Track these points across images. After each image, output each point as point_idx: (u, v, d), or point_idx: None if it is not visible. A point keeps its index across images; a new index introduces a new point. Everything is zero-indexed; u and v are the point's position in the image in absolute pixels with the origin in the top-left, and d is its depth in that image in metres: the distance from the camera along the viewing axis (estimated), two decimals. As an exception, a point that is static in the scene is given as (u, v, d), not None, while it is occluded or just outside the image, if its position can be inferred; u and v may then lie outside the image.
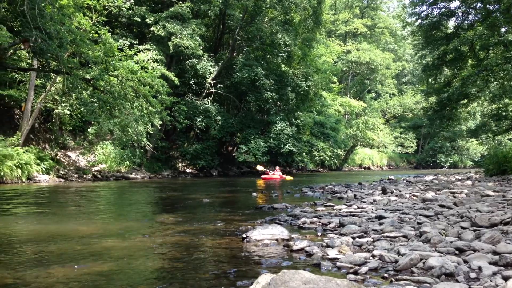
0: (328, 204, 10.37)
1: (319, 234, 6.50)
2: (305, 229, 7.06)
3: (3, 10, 12.57)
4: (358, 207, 9.34)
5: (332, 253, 5.12)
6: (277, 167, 26.73)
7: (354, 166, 52.58)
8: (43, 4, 11.88)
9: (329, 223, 7.25)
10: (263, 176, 25.14)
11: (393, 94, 70.96)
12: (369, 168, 54.95)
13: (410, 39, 41.52)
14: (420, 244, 5.23)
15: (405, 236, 5.82)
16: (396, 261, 4.65)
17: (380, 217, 7.35)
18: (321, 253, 5.17)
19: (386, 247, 5.28)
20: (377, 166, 57.33)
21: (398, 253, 4.93)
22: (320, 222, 7.41)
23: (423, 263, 4.51)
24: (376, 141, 52.13)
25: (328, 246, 5.51)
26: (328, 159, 41.44)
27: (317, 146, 39.99)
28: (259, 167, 28.07)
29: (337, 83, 56.32)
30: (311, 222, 7.48)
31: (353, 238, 5.88)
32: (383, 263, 4.69)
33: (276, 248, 5.65)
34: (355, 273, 4.36)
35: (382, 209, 8.75)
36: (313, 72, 35.50)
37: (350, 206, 9.66)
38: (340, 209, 9.17)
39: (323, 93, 45.18)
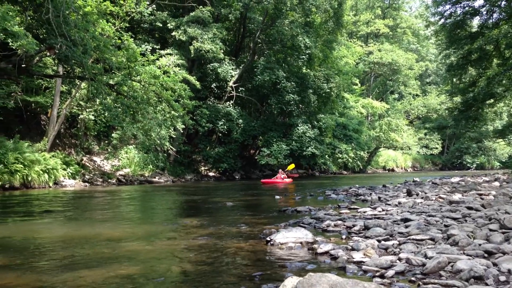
0: (352, 206, 10.27)
1: (343, 237, 6.44)
2: (329, 232, 7.01)
3: (29, 18, 12.84)
4: (383, 210, 9.22)
5: (357, 256, 5.06)
6: (281, 170, 25.53)
7: (377, 168, 52.01)
8: (67, 12, 12.10)
9: (354, 226, 7.17)
10: (263, 180, 24.20)
11: (417, 95, 69.94)
12: (393, 170, 54.28)
13: (433, 38, 40.87)
14: (448, 247, 5.13)
15: (432, 239, 5.72)
16: (424, 265, 4.57)
17: (406, 220, 7.24)
18: (346, 256, 5.12)
19: (412, 250, 5.20)
20: (401, 168, 56.59)
21: (425, 256, 4.84)
22: (344, 225, 7.34)
23: (451, 266, 4.43)
24: (400, 143, 51.44)
25: (353, 249, 5.45)
26: (351, 161, 41.10)
27: (340, 148, 39.70)
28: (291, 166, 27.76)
29: (359, 84, 55.85)
30: (335, 225, 7.41)
31: (379, 241, 5.80)
32: (410, 266, 4.61)
33: (301, 251, 5.62)
34: (382, 276, 4.30)
35: (408, 211, 8.62)
36: (335, 74, 35.26)
37: (374, 208, 9.54)
38: (364, 212, 9.06)
39: (345, 95, 44.84)
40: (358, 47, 56.08)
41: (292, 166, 27.47)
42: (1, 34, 10.37)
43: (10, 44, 11.41)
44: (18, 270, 4.80)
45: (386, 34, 63.52)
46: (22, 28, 10.64)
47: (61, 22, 11.47)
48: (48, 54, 12.82)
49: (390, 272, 4.35)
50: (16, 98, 18.88)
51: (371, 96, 59.87)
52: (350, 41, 57.45)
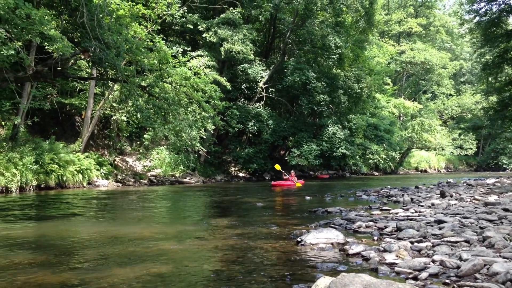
0: (383, 208, 10.13)
1: (375, 238, 6.36)
2: (360, 233, 6.93)
3: (64, 22, 13.19)
4: (416, 211, 9.05)
5: (389, 257, 4.99)
6: (293, 172, 23.90)
7: (409, 169, 51.12)
8: (101, 15, 12.36)
9: (386, 227, 7.07)
10: (273, 182, 22.37)
11: (450, 95, 68.43)
12: (425, 171, 53.25)
13: (468, 37, 39.97)
14: (484, 249, 5.00)
15: (467, 241, 5.59)
16: (458, 267, 4.47)
17: (440, 221, 7.09)
18: (378, 257, 5.05)
19: (447, 252, 5.09)
20: (434, 169, 55.47)
21: (460, 259, 4.74)
22: (376, 226, 7.25)
23: (487, 269, 4.32)
24: (433, 143, 50.42)
25: (385, 250, 5.37)
26: (382, 162, 40.54)
27: (371, 149, 39.21)
28: (277, 166, 25.24)
29: (391, 84, 55.07)
30: (366, 226, 7.32)
31: (412, 242, 5.70)
32: (444, 268, 4.52)
33: (332, 252, 5.57)
34: (415, 278, 4.23)
35: (441, 213, 8.44)
36: (366, 74, 34.85)
37: (407, 210, 9.39)
38: (396, 213, 8.92)
39: (376, 95, 44.26)
40: (390, 47, 55.33)
41: (277, 166, 25.25)
42: (38, 38, 10.67)
43: (46, 47, 11.73)
44: (54, 268, 4.93)
45: (418, 33, 62.39)
46: (58, 31, 10.91)
47: (95, 25, 11.72)
48: (82, 57, 13.11)
49: (424, 274, 4.27)
50: (52, 100, 19.40)
51: (403, 96, 58.93)
52: (382, 41, 56.76)
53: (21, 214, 9.90)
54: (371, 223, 7.50)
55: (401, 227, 6.73)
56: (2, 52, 9.07)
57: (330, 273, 4.44)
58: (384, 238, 6.34)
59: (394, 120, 49.56)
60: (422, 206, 10.20)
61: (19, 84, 15.79)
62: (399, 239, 6.11)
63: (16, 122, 16.56)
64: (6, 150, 15.85)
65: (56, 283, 4.31)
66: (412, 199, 12.15)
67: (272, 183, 22.10)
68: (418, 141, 48.12)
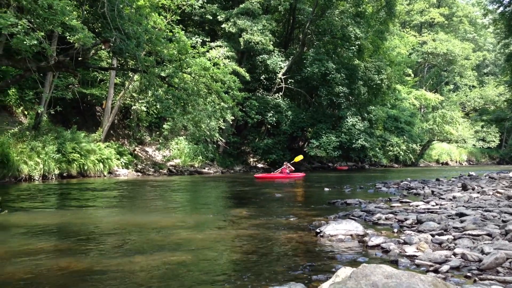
0: (403, 200, 10.03)
1: (395, 230, 6.31)
2: (380, 225, 6.88)
3: (85, 12, 13.28)
4: (437, 204, 8.94)
5: (410, 250, 4.94)
6: (286, 163, 21.30)
7: (430, 162, 50.54)
8: (121, 6, 12.41)
9: (406, 219, 7.01)
10: (257, 175, 20.02)
11: (473, 86, 67.22)
12: (447, 163, 52.59)
13: (491, 27, 39.15)
14: (506, 243, 4.92)
15: (489, 235, 5.50)
16: (480, 260, 4.41)
17: (461, 214, 6.99)
18: (398, 249, 5.01)
19: (468, 246, 5.02)
20: (456, 162, 54.72)
21: (482, 252, 4.67)
22: (396, 218, 7.18)
23: (510, 262, 4.26)
24: (455, 136, 49.64)
25: (405, 243, 5.32)
26: (402, 154, 40.10)
27: (391, 141, 38.80)
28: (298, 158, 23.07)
29: (412, 75, 54.34)
30: (386, 218, 7.26)
31: (432, 235, 5.63)
32: (466, 261, 4.46)
33: (351, 244, 5.55)
34: (436, 271, 4.18)
35: (463, 206, 8.32)
36: (386, 65, 34.43)
37: (427, 202, 9.28)
38: (417, 206, 8.83)
39: (397, 86, 43.71)
40: (411, 37, 54.54)
41: (300, 157, 23.37)
42: (60, 28, 10.77)
43: (68, 37, 11.85)
44: (76, 254, 5.01)
45: (441, 23, 61.36)
46: (79, 22, 11.00)
47: (115, 16, 11.77)
48: (103, 47, 13.17)
49: (445, 267, 4.22)
50: (73, 90, 19.63)
51: (424, 88, 58.15)
52: (403, 31, 55.97)
53: (44, 202, 10.08)
54: (391, 215, 7.44)
55: (422, 219, 6.65)
56: (25, 42, 9.18)
57: (349, 264, 4.41)
58: (404, 230, 6.29)
59: (415, 111, 48.94)
60: (443, 199, 10.07)
61: (41, 74, 16.00)
62: (419, 231, 6.04)
63: (39, 111, 16.81)
64: (29, 139, 16.12)
65: (78, 269, 4.39)
66: (433, 191, 12.01)
67: (255, 175, 19.83)
68: (439, 133, 47.44)
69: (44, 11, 9.81)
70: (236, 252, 5.17)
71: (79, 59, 12.29)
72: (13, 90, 18.38)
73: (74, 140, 17.94)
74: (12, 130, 16.04)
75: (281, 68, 29.38)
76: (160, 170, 22.43)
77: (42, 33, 9.68)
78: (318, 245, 5.48)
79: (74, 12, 11.57)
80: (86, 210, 8.85)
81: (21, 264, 4.56)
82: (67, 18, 9.99)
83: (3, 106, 18.36)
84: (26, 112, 19.01)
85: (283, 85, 29.91)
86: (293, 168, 21.33)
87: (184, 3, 19.86)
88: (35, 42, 9.25)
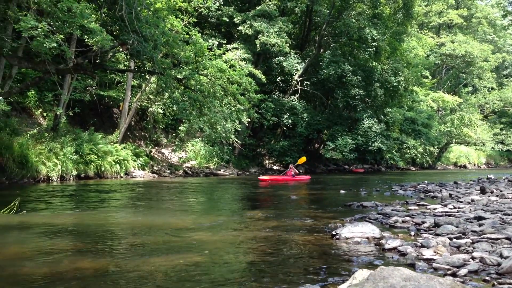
0: (420, 203, 9.92)
1: (412, 233, 6.24)
2: (396, 228, 6.82)
3: (103, 15, 13.44)
4: (454, 207, 8.84)
5: (427, 253, 4.89)
6: (291, 166, 20.92)
7: (448, 165, 49.92)
8: (139, 8, 12.53)
9: (423, 222, 6.93)
10: (261, 177, 19.32)
11: (492, 88, 66.13)
12: (465, 166, 51.87)
13: (511, 29, 38.51)
14: (526, 247, 4.84)
15: (508, 238, 5.41)
16: (499, 264, 4.35)
17: (480, 218, 6.90)
18: (415, 253, 4.96)
19: (487, 249, 4.95)
20: (474, 165, 53.94)
21: (501, 256, 4.60)
22: (413, 221, 7.11)
23: (530, 267, 4.17)
24: (473, 138, 48.97)
25: (422, 246, 5.27)
26: (419, 156, 39.68)
27: (408, 144, 38.42)
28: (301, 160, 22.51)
29: (430, 77, 53.75)
30: (403, 221, 7.19)
31: (450, 239, 5.57)
32: (484, 265, 4.40)
33: (367, 246, 5.51)
34: (454, 275, 4.13)
35: (481, 209, 8.21)
36: (404, 66, 34.14)
37: (445, 205, 9.17)
38: (434, 209, 8.73)
39: (414, 88, 43.26)
40: (429, 39, 53.98)
41: (303, 159, 22.82)
42: (79, 31, 10.92)
43: (86, 40, 12.01)
44: (93, 254, 5.06)
45: (459, 24, 60.57)
46: (98, 25, 11.14)
47: (133, 18, 11.89)
48: (121, 49, 13.33)
49: (463, 271, 4.17)
50: (91, 92, 19.87)
51: (442, 90, 57.49)
52: (421, 33, 55.42)
53: (62, 203, 10.22)
54: (407, 218, 7.37)
55: (439, 223, 6.58)
56: (45, 45, 9.33)
57: (365, 267, 4.38)
58: (422, 233, 6.22)
59: (433, 114, 48.40)
60: (461, 202, 9.95)
61: (60, 76, 16.23)
62: (437, 235, 5.98)
63: (58, 113, 17.03)
64: (47, 140, 16.34)
65: (96, 269, 4.43)
66: (450, 194, 11.87)
67: (259, 178, 19.23)
68: (457, 136, 46.85)
69: (63, 14, 9.96)
70: (251, 253, 5.17)
71: (97, 61, 12.46)
72: (32, 92, 18.66)
73: (92, 141, 18.13)
74: (31, 132, 16.28)
75: (297, 70, 29.33)
76: (176, 172, 22.54)
77: (62, 36, 9.82)
78: (334, 248, 5.45)
79: (92, 15, 11.71)
80: (103, 211, 8.94)
81: (40, 264, 4.63)
82: (86, 21, 10.12)
83: (22, 108, 18.66)
84: (45, 114, 19.28)
85: (299, 87, 29.86)
86: (298, 172, 20.71)
87: (201, 5, 19.97)
88: (55, 44, 9.40)
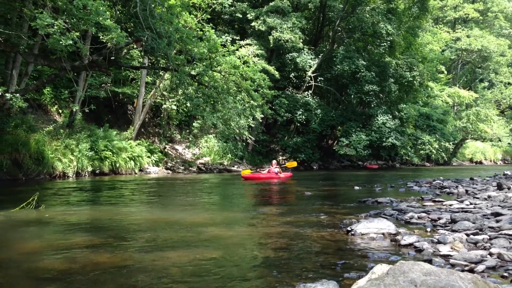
0: (436, 199, 9.83)
1: (428, 229, 6.20)
2: (412, 224, 6.77)
3: (118, 12, 13.53)
4: (471, 203, 8.75)
5: (444, 249, 4.85)
6: (274, 162, 20.10)
7: (463, 161, 49.40)
8: (153, 5, 12.58)
9: (439, 218, 6.88)
10: (244, 175, 17.98)
11: (509, 83, 65.21)
12: (481, 162, 51.30)
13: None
14: (545, 243, 4.77)
15: (526, 235, 5.34)
16: (517, 261, 4.29)
17: (497, 214, 6.83)
18: (432, 249, 4.92)
19: (505, 246, 4.89)
20: (490, 161, 53.31)
21: (519, 252, 4.54)
22: (429, 218, 7.06)
23: (549, 263, 4.12)
24: (489, 134, 48.33)
25: (439, 242, 5.22)
26: (434, 152, 39.31)
27: (422, 139, 38.07)
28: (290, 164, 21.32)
29: (445, 72, 53.18)
30: (419, 217, 7.14)
31: (467, 235, 5.52)
32: (502, 262, 4.36)
33: (383, 242, 5.48)
34: (471, 271, 4.09)
35: (498, 205, 8.11)
36: (418, 61, 33.80)
37: (461, 202, 9.08)
38: (450, 205, 8.65)
39: (429, 84, 42.82)
40: (445, 33, 53.39)
41: (293, 164, 21.86)
42: (94, 28, 11.00)
43: (101, 37, 12.09)
44: (110, 249, 5.11)
45: (475, 18, 59.80)
46: (112, 22, 11.21)
47: (147, 15, 11.94)
48: (135, 46, 13.39)
49: (480, 267, 4.13)
50: (106, 89, 20.03)
51: (458, 85, 56.86)
52: (436, 27, 54.82)
53: (78, 198, 10.33)
54: (423, 214, 7.32)
55: (456, 219, 6.52)
56: (61, 42, 9.41)
57: (382, 263, 4.36)
58: (438, 229, 6.17)
59: (448, 109, 47.91)
60: (478, 198, 9.85)
61: (75, 73, 16.37)
62: (453, 231, 5.92)
63: (74, 109, 17.20)
64: (63, 137, 16.52)
65: (113, 264, 4.47)
66: (467, 191, 11.74)
67: (242, 175, 17.99)
68: (473, 132, 46.29)
69: (79, 12, 10.03)
70: (266, 249, 5.18)
71: (112, 58, 12.53)
72: (48, 89, 18.88)
73: (106, 138, 18.29)
74: (47, 128, 16.48)
75: (310, 66, 29.23)
76: (190, 168, 22.64)
77: (77, 33, 9.90)
78: (349, 243, 5.44)
79: (107, 12, 11.79)
80: (119, 207, 9.02)
81: (58, 258, 4.69)
82: (101, 18, 10.19)
83: (38, 105, 18.89)
84: (60, 111, 19.49)
85: (313, 83, 29.76)
86: (281, 171, 19.15)
87: (214, 1, 20.00)
88: (71, 42, 9.49)
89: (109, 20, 10.80)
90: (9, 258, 4.71)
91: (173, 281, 3.91)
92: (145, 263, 4.50)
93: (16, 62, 14.84)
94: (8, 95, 10.27)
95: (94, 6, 10.12)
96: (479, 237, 5.31)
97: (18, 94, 11.44)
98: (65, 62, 11.23)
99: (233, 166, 24.72)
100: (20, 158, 14.37)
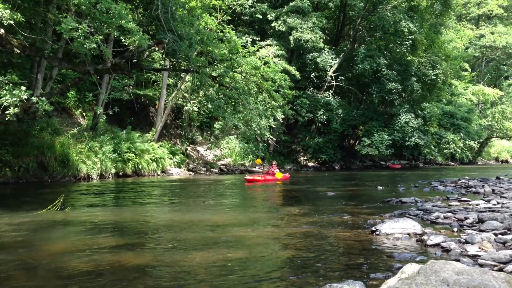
0: (462, 199, 9.66)
1: (455, 229, 6.09)
2: (438, 224, 6.66)
3: (140, 15, 13.65)
4: (498, 203, 8.57)
5: (472, 249, 4.76)
6: (274, 162, 19.58)
7: (489, 160, 48.45)
8: (174, 8, 12.66)
9: (466, 218, 6.76)
10: (247, 177, 17.14)
11: (535, 80, 63.84)
12: (506, 161, 50.22)
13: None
14: None
15: (557, 235, 5.21)
16: (549, 261, 4.18)
17: (526, 213, 6.66)
18: (459, 249, 4.83)
19: (535, 246, 4.77)
20: (517, 160, 52.18)
21: (551, 253, 4.42)
22: (455, 217, 6.94)
23: None
24: (515, 132, 47.31)
25: (467, 242, 5.13)
26: (459, 151, 38.58)
27: (446, 138, 37.43)
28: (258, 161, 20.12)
29: (469, 70, 52.28)
30: (444, 217, 7.03)
31: (495, 234, 5.40)
32: (533, 262, 4.24)
33: (408, 242, 5.40)
34: (500, 271, 3.99)
35: (527, 205, 7.93)
36: (442, 59, 33.27)
37: (488, 201, 8.90)
38: (477, 205, 8.49)
39: (453, 82, 42.16)
40: (468, 31, 52.52)
41: (258, 161, 20.19)
42: (117, 31, 11.11)
43: (123, 40, 12.22)
44: (135, 250, 5.16)
45: (499, 15, 58.68)
46: (134, 25, 11.31)
47: (169, 18, 12.02)
48: (156, 49, 13.48)
49: (510, 267, 4.04)
50: (128, 91, 20.25)
51: (482, 82, 55.86)
52: (459, 24, 53.97)
53: (103, 200, 10.46)
54: (449, 214, 7.20)
55: (483, 218, 6.39)
56: (85, 46, 9.54)
57: (409, 263, 4.30)
58: (465, 229, 6.07)
59: (473, 107, 47.06)
60: (505, 197, 9.65)
61: (98, 76, 16.60)
62: (481, 231, 5.81)
63: (98, 112, 17.42)
64: (87, 140, 16.76)
65: (138, 264, 4.52)
66: (493, 190, 11.51)
67: (246, 178, 17.14)
68: (499, 130, 45.32)
69: (102, 15, 10.15)
70: (291, 249, 5.16)
71: (134, 61, 12.64)
72: (72, 92, 19.18)
73: (129, 140, 18.48)
74: (72, 131, 16.73)
75: (331, 65, 29.05)
76: (212, 169, 22.72)
77: (101, 37, 10.02)
78: (374, 244, 5.37)
79: (129, 15, 11.92)
80: (142, 208, 9.11)
81: (84, 259, 4.75)
82: (123, 21, 10.29)
83: (63, 108, 19.21)
84: (84, 114, 19.78)
85: (334, 83, 29.56)
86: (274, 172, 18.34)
87: (234, 3, 20.04)
88: (94, 45, 9.59)
89: (131, 23, 10.90)
90: (37, 259, 4.80)
91: (199, 281, 3.92)
92: (170, 263, 4.53)
93: (41, 66, 15.13)
94: (34, 99, 10.43)
95: (117, 9, 10.23)
96: (508, 237, 5.20)
97: (44, 98, 11.64)
98: (89, 65, 11.37)
99: (255, 167, 24.71)
100: (46, 160, 14.62)
